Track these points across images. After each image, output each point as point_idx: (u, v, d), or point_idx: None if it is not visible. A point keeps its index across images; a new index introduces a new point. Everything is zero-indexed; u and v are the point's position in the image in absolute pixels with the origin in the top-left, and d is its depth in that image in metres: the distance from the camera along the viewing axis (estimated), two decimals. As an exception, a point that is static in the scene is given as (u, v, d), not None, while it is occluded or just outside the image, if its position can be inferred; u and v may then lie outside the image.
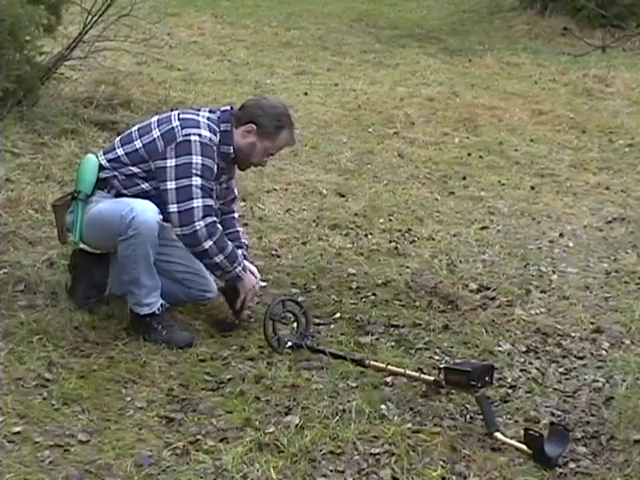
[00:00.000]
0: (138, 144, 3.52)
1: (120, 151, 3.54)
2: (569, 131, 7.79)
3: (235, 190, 3.89)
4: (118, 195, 3.52)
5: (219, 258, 3.50)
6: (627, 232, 5.27)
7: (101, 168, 3.54)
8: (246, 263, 3.69)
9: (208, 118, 3.56)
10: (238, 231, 3.85)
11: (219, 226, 3.52)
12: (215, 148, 3.52)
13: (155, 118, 3.61)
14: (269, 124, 3.58)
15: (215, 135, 3.53)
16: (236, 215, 3.89)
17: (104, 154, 3.59)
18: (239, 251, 3.69)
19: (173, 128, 3.48)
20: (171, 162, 3.44)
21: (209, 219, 3.44)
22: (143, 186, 3.51)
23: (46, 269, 3.93)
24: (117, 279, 3.60)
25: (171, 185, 3.42)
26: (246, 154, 3.62)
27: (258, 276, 3.76)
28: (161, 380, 3.19)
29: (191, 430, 2.88)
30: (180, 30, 10.78)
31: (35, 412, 2.89)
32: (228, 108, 3.65)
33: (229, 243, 3.55)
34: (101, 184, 3.53)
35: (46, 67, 6.03)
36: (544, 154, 7.02)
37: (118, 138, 3.66)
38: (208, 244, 3.45)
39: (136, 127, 3.63)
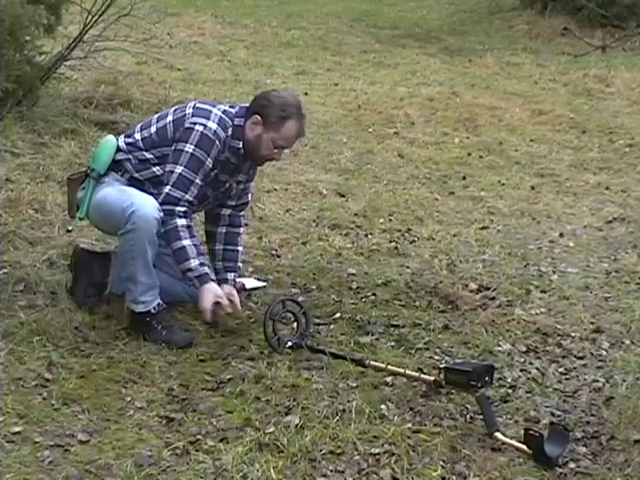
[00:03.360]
0: (153, 129, 3.57)
1: (138, 135, 3.59)
2: (569, 131, 7.79)
3: (250, 195, 3.86)
4: (131, 179, 3.55)
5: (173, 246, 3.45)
6: (627, 232, 5.27)
7: (119, 150, 3.57)
8: (226, 286, 3.63)
9: (224, 111, 3.56)
10: (238, 251, 3.78)
11: (178, 222, 3.41)
12: (219, 142, 3.50)
13: (175, 107, 3.66)
14: (273, 114, 3.53)
15: (225, 129, 3.53)
16: (242, 230, 3.84)
17: (125, 137, 3.63)
18: (229, 275, 3.70)
19: (185, 115, 3.53)
20: (171, 147, 3.49)
21: (167, 207, 3.41)
22: (154, 169, 3.54)
23: (46, 269, 3.93)
24: (117, 278, 3.60)
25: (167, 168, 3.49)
26: (254, 146, 3.58)
27: (236, 300, 3.56)
28: (161, 380, 3.19)
29: (191, 430, 2.88)
30: (180, 30, 10.78)
31: (35, 412, 2.89)
32: (248, 105, 3.64)
33: (182, 242, 3.42)
34: (115, 166, 3.57)
35: (46, 67, 6.03)
36: (544, 154, 7.02)
37: (139, 124, 3.70)
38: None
39: (157, 115, 3.68)
